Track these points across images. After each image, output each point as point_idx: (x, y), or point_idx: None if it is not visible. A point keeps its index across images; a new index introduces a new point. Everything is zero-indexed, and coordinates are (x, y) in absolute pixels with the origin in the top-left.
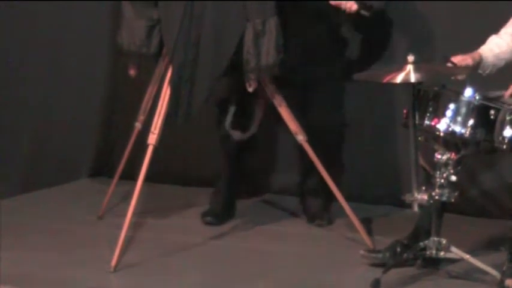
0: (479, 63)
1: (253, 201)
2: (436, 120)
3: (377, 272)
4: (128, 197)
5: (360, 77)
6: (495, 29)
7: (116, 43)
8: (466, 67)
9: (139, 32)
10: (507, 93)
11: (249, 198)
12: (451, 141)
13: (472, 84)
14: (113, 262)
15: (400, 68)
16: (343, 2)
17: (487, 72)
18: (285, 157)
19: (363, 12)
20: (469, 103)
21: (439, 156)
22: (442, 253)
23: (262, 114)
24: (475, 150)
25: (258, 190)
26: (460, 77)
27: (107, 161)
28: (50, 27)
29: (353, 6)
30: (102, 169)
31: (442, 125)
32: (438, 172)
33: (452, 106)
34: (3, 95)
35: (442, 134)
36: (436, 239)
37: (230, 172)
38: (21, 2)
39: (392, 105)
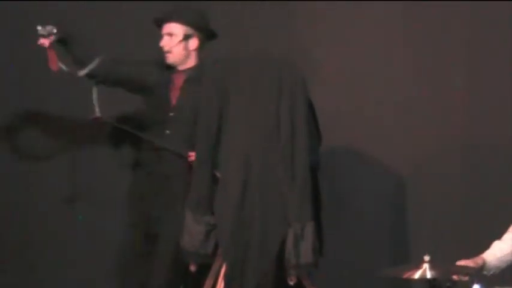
0: (482, 266)
1: None
2: None
3: None
4: None
5: (383, 273)
6: (499, 235)
7: (179, 245)
8: (469, 270)
9: (198, 235)
10: None
11: None
12: None
13: (480, 281)
14: None
15: (417, 265)
16: None
17: (491, 273)
18: None
19: None
20: None
21: None
22: None
23: None
24: None
25: None
26: (463, 278)
27: None
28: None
29: None
30: None
31: None
32: None
33: None
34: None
35: None
36: None
37: None
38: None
39: None
